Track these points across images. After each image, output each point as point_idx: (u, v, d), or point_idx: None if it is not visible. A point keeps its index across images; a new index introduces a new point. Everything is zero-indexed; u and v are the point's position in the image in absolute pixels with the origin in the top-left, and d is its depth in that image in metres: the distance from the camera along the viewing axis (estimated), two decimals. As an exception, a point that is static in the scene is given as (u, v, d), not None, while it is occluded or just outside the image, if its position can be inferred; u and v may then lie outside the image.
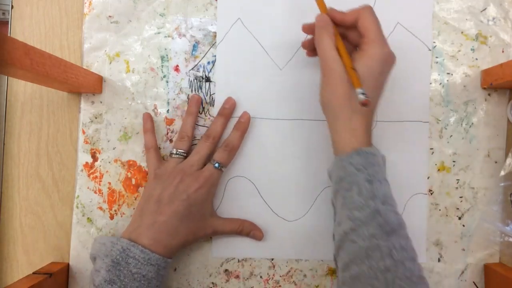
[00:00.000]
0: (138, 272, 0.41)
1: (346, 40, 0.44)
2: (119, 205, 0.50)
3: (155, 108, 0.50)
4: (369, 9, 0.42)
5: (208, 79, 0.51)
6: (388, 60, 0.41)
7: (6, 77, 0.50)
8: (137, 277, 0.40)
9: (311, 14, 0.50)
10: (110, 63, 0.50)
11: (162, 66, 0.51)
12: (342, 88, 0.40)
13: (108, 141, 0.50)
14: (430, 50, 0.51)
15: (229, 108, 0.49)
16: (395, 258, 0.36)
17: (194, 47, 0.51)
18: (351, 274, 0.38)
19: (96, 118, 0.50)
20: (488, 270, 0.49)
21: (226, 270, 0.50)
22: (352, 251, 0.38)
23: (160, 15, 0.51)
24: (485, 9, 0.51)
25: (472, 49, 0.51)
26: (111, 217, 0.50)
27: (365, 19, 0.41)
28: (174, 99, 0.50)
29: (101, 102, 0.50)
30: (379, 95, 0.42)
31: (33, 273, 0.45)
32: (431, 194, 0.50)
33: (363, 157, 0.40)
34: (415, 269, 0.37)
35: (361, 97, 0.37)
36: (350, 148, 0.40)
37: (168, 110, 0.51)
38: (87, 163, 0.50)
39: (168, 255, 0.43)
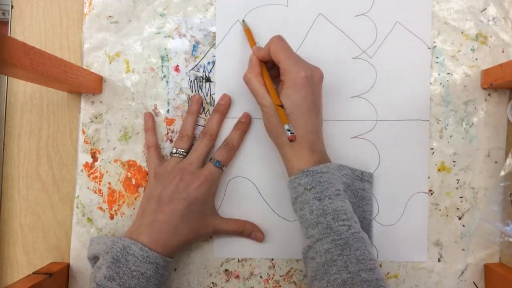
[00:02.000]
0: (137, 269, 0.41)
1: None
2: (119, 205, 0.50)
3: (155, 108, 0.50)
4: (274, 40, 0.44)
5: (208, 79, 0.51)
6: (308, 82, 0.42)
7: (6, 77, 0.50)
8: (135, 274, 0.41)
9: (310, 14, 0.51)
10: (110, 63, 0.51)
11: (162, 66, 0.51)
12: (276, 119, 0.43)
13: (108, 141, 0.50)
14: (429, 48, 0.51)
15: (224, 104, 0.49)
16: (351, 270, 0.38)
17: (194, 47, 0.51)
18: None
19: (96, 118, 0.50)
20: (488, 270, 0.49)
21: (226, 270, 0.50)
22: (313, 268, 0.40)
23: (160, 15, 0.51)
24: (485, 9, 0.51)
25: (472, 49, 0.51)
26: (111, 217, 0.50)
27: (273, 52, 0.44)
28: (174, 99, 0.50)
29: (101, 102, 0.50)
30: (315, 114, 0.43)
31: (33, 273, 0.46)
32: (431, 194, 0.50)
33: (310, 177, 0.41)
34: (373, 279, 0.38)
35: (287, 133, 0.39)
36: (298, 169, 0.43)
37: (168, 110, 0.51)
38: (87, 163, 0.50)
39: (168, 254, 0.43)
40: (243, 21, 0.50)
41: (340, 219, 0.40)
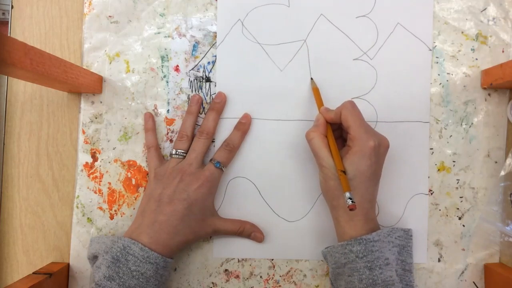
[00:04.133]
0: (137, 269, 0.41)
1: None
2: (119, 205, 0.50)
3: (155, 108, 0.50)
4: (347, 105, 0.44)
5: (208, 79, 0.51)
6: (375, 152, 0.42)
7: (6, 77, 0.50)
8: (135, 274, 0.41)
9: (311, 15, 0.51)
10: (110, 63, 0.50)
11: (162, 66, 0.51)
12: (335, 182, 0.43)
13: (108, 141, 0.50)
14: (430, 50, 0.51)
15: (219, 102, 0.49)
16: None
17: (194, 47, 0.51)
18: None
19: (96, 118, 0.50)
20: (488, 270, 0.49)
21: (226, 270, 0.50)
22: None
23: (160, 15, 0.51)
24: (485, 9, 0.51)
25: (472, 49, 0.51)
26: (111, 217, 0.50)
27: (344, 116, 0.43)
28: (174, 99, 0.50)
29: (101, 102, 0.50)
30: (374, 184, 0.43)
31: (33, 273, 0.45)
32: (431, 194, 0.50)
33: (363, 245, 0.41)
34: None
35: (348, 201, 0.39)
36: (350, 236, 0.42)
37: (168, 110, 0.50)
38: (87, 163, 0.50)
39: (168, 254, 0.43)
40: (311, 79, 0.50)
41: None
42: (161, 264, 0.42)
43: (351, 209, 0.39)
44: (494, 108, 0.51)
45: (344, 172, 0.42)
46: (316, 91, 0.49)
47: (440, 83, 0.51)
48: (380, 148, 0.43)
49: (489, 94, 0.51)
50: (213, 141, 0.50)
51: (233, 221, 0.49)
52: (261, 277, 0.50)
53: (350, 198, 0.39)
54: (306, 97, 0.50)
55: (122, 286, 0.40)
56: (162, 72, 0.51)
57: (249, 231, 0.49)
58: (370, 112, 0.50)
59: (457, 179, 0.51)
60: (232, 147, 0.48)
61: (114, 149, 0.50)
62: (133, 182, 0.50)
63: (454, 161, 0.51)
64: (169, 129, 0.50)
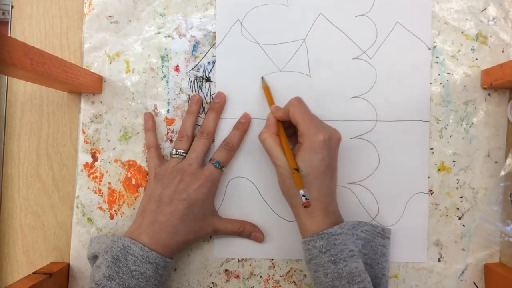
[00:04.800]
0: (137, 269, 0.41)
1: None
2: (119, 205, 0.50)
3: (155, 108, 0.51)
4: (294, 102, 0.44)
5: (208, 79, 0.51)
6: (325, 145, 0.42)
7: (6, 77, 0.50)
8: (135, 274, 0.41)
9: (311, 14, 0.51)
10: (110, 63, 0.51)
11: (162, 66, 0.51)
12: (291, 181, 0.43)
13: (108, 141, 0.50)
14: (429, 49, 0.51)
15: (219, 102, 0.49)
16: None
17: (194, 47, 0.51)
18: None
19: (96, 118, 0.50)
20: (488, 270, 0.49)
21: (226, 270, 0.50)
22: None
23: (160, 15, 0.51)
24: (485, 9, 0.51)
25: (472, 49, 0.51)
26: (111, 217, 0.50)
27: (292, 113, 0.44)
28: (174, 99, 0.51)
29: (101, 102, 0.50)
30: (330, 177, 0.43)
31: (33, 273, 0.46)
32: (431, 194, 0.50)
33: (325, 240, 0.41)
34: None
35: (302, 199, 0.39)
36: (312, 232, 0.42)
37: (168, 110, 0.51)
38: (87, 163, 0.50)
39: (168, 254, 0.43)
40: (262, 77, 0.50)
41: (355, 282, 0.40)
42: (160, 264, 0.42)
43: (305, 206, 0.39)
44: (494, 108, 0.51)
45: (297, 169, 0.42)
46: (266, 90, 0.49)
47: (440, 83, 0.51)
48: (331, 141, 0.43)
49: (489, 94, 0.51)
50: (213, 141, 0.50)
51: (233, 221, 0.49)
52: (261, 277, 0.50)
53: (304, 196, 0.39)
54: (305, 97, 0.50)
55: (121, 285, 0.40)
56: (162, 72, 0.51)
57: (249, 231, 0.49)
58: (370, 111, 0.50)
59: (457, 179, 0.51)
60: (232, 147, 0.48)
61: (114, 149, 0.50)
62: (133, 182, 0.50)
63: (454, 161, 0.51)
64: (169, 129, 0.51)
